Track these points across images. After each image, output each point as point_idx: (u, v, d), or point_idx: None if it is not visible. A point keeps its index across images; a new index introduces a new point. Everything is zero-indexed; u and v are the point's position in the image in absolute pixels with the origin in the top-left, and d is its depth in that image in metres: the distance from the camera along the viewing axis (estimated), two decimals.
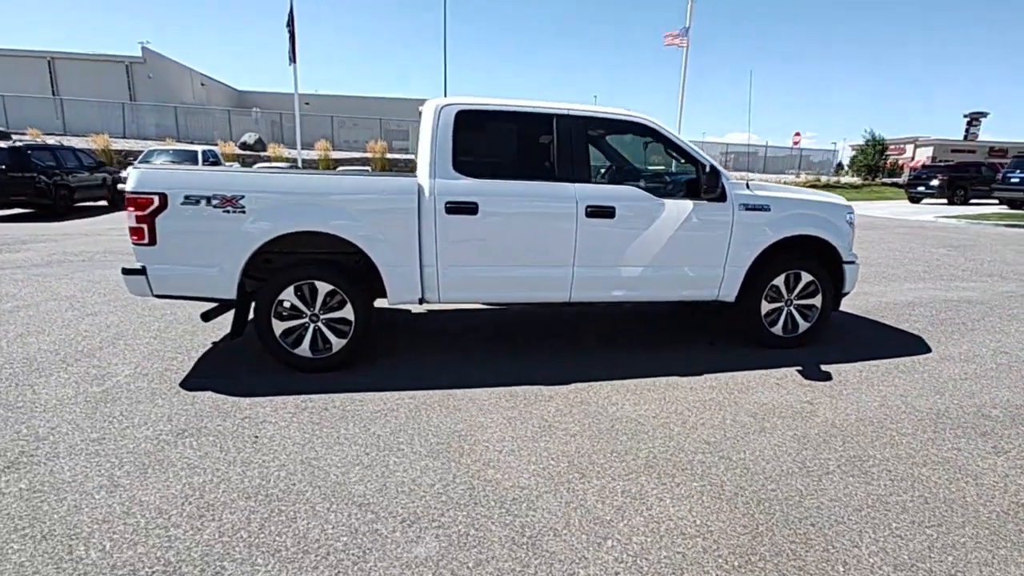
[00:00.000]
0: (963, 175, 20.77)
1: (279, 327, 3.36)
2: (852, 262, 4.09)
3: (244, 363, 3.58)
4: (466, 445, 2.58)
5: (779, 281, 3.94)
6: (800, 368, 3.64)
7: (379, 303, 3.79)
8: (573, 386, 3.31)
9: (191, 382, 3.27)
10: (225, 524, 1.97)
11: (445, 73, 32.92)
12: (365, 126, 30.98)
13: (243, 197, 3.16)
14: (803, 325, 4.06)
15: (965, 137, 43.96)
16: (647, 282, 3.73)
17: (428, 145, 3.40)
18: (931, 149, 40.19)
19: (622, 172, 4.19)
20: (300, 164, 19.99)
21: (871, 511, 2.10)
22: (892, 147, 37.11)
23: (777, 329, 4.03)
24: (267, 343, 3.36)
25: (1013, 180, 17.37)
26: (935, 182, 20.39)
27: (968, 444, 2.65)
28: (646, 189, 3.68)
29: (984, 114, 44.21)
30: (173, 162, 14.06)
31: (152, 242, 3.15)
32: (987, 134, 44.23)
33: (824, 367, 3.67)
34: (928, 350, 4.07)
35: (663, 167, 5.00)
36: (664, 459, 2.48)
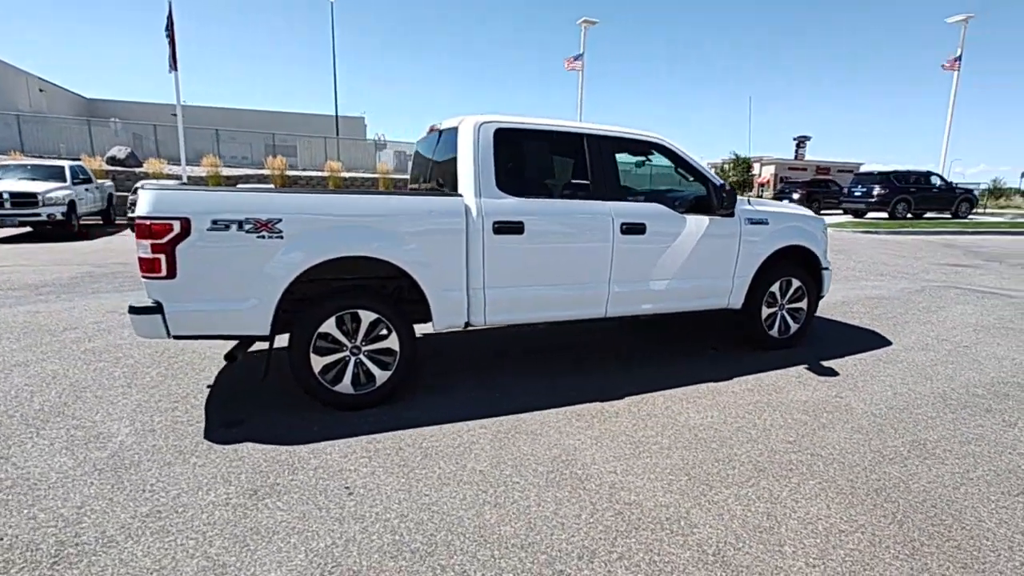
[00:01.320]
0: (817, 190, 24.32)
1: (318, 363, 3.02)
2: (828, 268, 4.60)
3: (262, 404, 3.17)
4: (577, 470, 2.51)
5: (775, 288, 4.31)
6: (806, 366, 4.01)
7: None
8: (628, 400, 3.36)
9: (219, 434, 2.83)
10: None
11: (336, 89, 31.73)
12: (245, 140, 28.85)
13: (280, 220, 2.83)
14: (793, 327, 4.48)
15: (795, 157, 51.14)
16: (672, 294, 3.89)
17: (471, 163, 3.29)
18: (773, 167, 46.25)
19: (644, 190, 4.35)
20: (186, 181, 18.08)
21: (967, 488, 2.37)
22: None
23: (774, 332, 4.40)
24: (304, 381, 3.01)
25: (856, 194, 20.62)
26: (796, 196, 23.58)
27: (985, 420, 3.09)
28: (668, 206, 3.86)
29: (808, 137, 51.87)
30: (33, 179, 12.06)
31: (171, 275, 2.70)
32: (811, 154, 51.89)
33: (824, 363, 4.07)
34: (889, 342, 4.68)
35: (665, 185, 5.26)
36: (766, 461, 2.60)
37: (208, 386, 3.50)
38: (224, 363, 3.84)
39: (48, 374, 3.63)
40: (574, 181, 3.62)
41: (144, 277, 2.72)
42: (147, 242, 2.66)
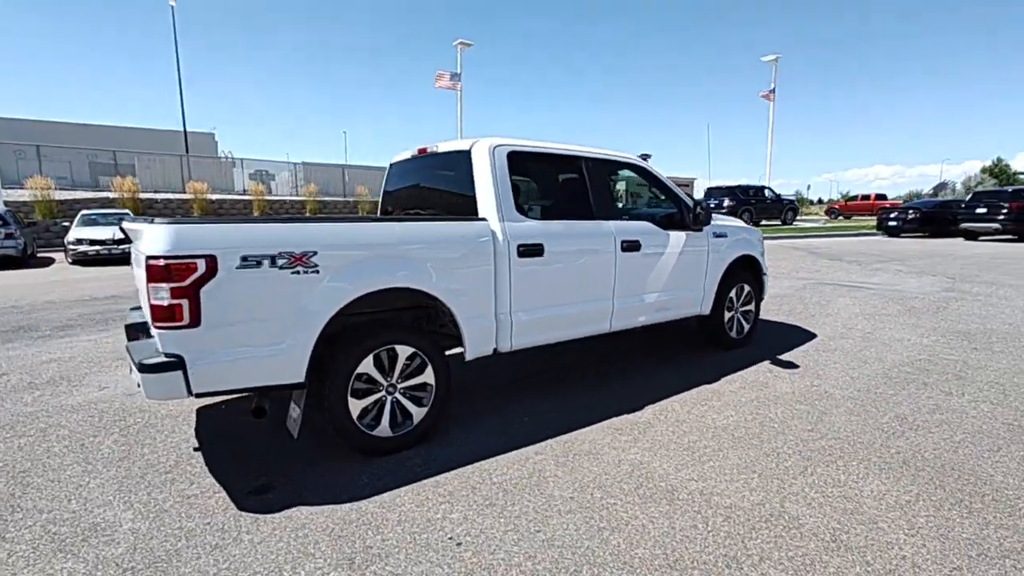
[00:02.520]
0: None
1: (356, 407, 2.75)
2: (766, 274, 5.23)
3: (277, 461, 2.80)
4: (658, 483, 2.58)
5: (732, 293, 4.80)
6: (769, 361, 4.50)
7: None
8: (650, 409, 3.51)
9: (253, 502, 2.44)
10: None
11: (182, 100, 28.81)
12: (62, 158, 24.53)
13: (315, 253, 2.55)
14: (746, 327, 5.00)
15: None
16: (661, 305, 4.15)
17: (490, 187, 3.24)
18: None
19: (626, 208, 4.57)
20: (4, 209, 15.04)
21: (963, 450, 2.85)
22: None
23: (732, 333, 4.88)
24: (341, 428, 2.72)
25: (711, 204, 23.34)
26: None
27: (930, 392, 3.72)
28: (653, 223, 4.13)
29: (648, 155, 58.38)
30: None
31: (194, 322, 2.30)
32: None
33: (781, 358, 4.61)
34: (814, 334, 5.41)
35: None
36: (805, 450, 2.89)
37: (195, 448, 3.00)
38: (194, 419, 3.32)
39: None
40: (578, 202, 3.73)
41: (159, 327, 2.28)
42: (165, 286, 2.24)
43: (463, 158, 3.39)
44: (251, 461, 2.83)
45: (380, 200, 4.46)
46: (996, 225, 16.53)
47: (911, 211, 19.44)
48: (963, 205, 18.19)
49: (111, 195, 17.98)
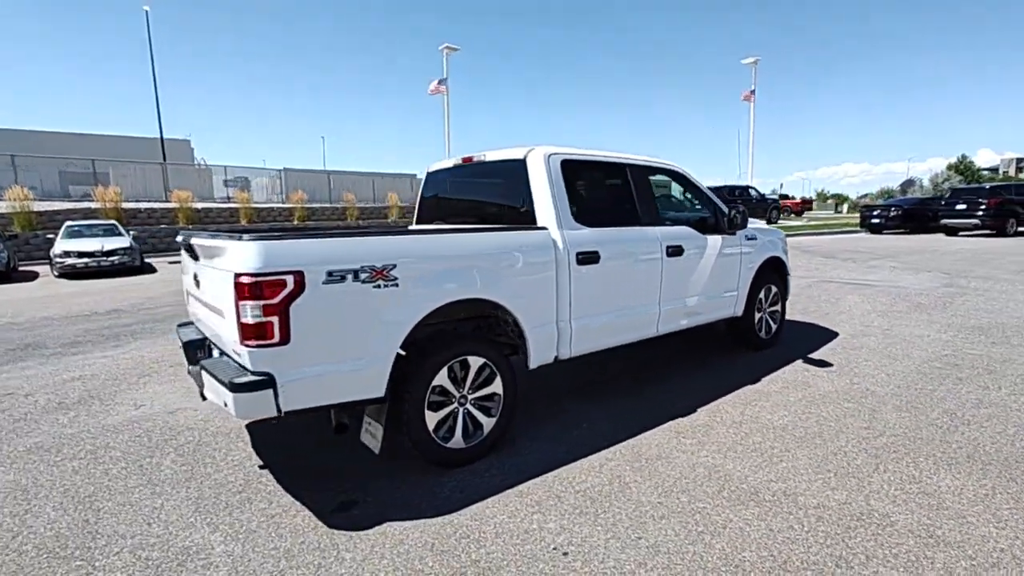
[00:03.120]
0: None
1: (432, 420, 2.74)
2: (790, 274, 5.33)
3: (350, 477, 2.77)
4: (741, 485, 2.62)
5: (762, 294, 4.89)
6: (802, 360, 4.60)
7: None
8: (702, 412, 3.56)
9: (342, 519, 2.41)
10: None
11: (158, 106, 28.28)
12: (30, 167, 23.60)
13: (395, 266, 2.53)
14: (774, 327, 5.10)
15: None
16: (701, 307, 4.21)
17: (548, 195, 3.25)
18: None
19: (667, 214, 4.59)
20: None
21: (1019, 443, 2.96)
22: None
23: (761, 333, 4.97)
24: (419, 441, 2.70)
25: None
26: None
27: (969, 387, 3.83)
28: (693, 228, 4.18)
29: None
30: None
31: (284, 340, 2.27)
32: None
33: (812, 356, 4.71)
34: (836, 332, 5.54)
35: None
36: (869, 447, 2.95)
37: (260, 466, 2.95)
38: (246, 435, 3.27)
39: (19, 487, 2.76)
40: (625, 209, 3.76)
41: (249, 346, 2.24)
42: (257, 303, 2.20)
43: (517, 167, 3.40)
44: (323, 478, 2.79)
45: (417, 208, 4.44)
46: (975, 221, 17.10)
47: (893, 208, 20.00)
48: (943, 202, 18.79)
49: (93, 205, 17.51)
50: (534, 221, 3.29)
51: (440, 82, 24.79)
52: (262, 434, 3.35)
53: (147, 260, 14.97)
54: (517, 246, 3.03)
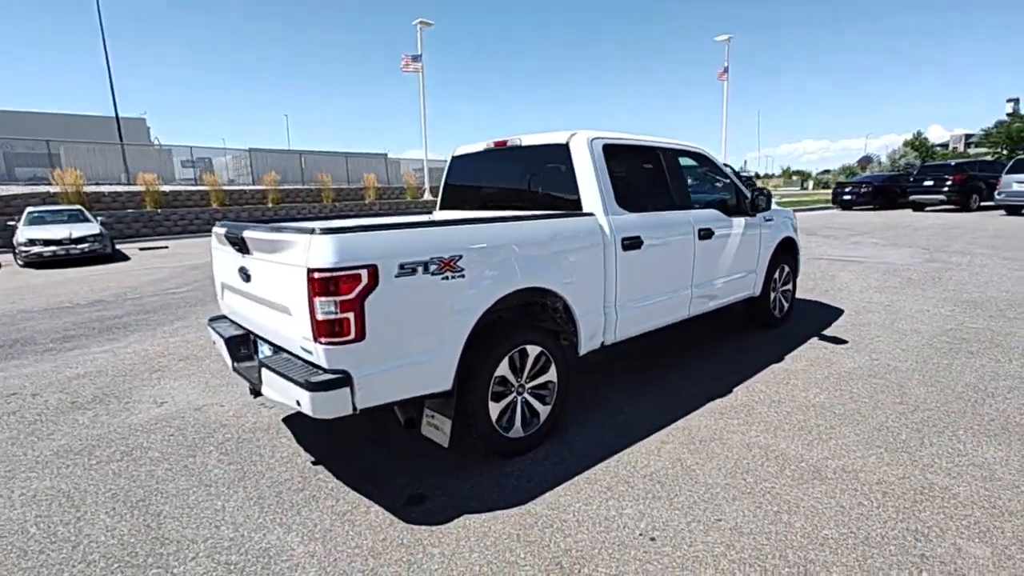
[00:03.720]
0: None
1: (495, 410, 2.73)
2: (800, 253, 5.46)
3: (407, 470, 2.75)
4: (800, 464, 2.69)
5: (776, 273, 4.99)
6: (817, 338, 4.73)
7: None
8: (739, 391, 3.63)
9: (415, 514, 2.39)
10: None
11: (111, 82, 26.60)
12: None
13: (461, 257, 2.48)
14: (785, 306, 5.23)
15: None
16: (726, 288, 4.28)
17: (593, 181, 3.22)
18: None
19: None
20: None
21: None
22: None
23: (776, 312, 5.09)
24: (483, 432, 2.68)
25: None
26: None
27: (982, 361, 4.00)
28: (719, 210, 4.22)
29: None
30: None
31: (359, 336, 2.20)
32: None
33: (826, 334, 4.85)
34: (841, 310, 5.71)
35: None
36: (910, 423, 3.06)
37: (313, 462, 2.90)
38: (286, 430, 3.19)
39: (61, 493, 2.64)
40: (661, 192, 3.76)
41: (325, 343, 2.17)
42: (333, 299, 2.13)
43: (559, 151, 3.35)
44: (381, 473, 2.76)
45: (441, 193, 4.35)
46: (941, 196, 17.79)
47: (864, 185, 20.62)
48: (911, 179, 19.45)
49: (52, 189, 16.57)
50: (578, 207, 3.26)
51: (414, 59, 24.15)
52: (302, 430, 3.28)
53: (118, 247, 14.33)
54: (569, 233, 3.00)
